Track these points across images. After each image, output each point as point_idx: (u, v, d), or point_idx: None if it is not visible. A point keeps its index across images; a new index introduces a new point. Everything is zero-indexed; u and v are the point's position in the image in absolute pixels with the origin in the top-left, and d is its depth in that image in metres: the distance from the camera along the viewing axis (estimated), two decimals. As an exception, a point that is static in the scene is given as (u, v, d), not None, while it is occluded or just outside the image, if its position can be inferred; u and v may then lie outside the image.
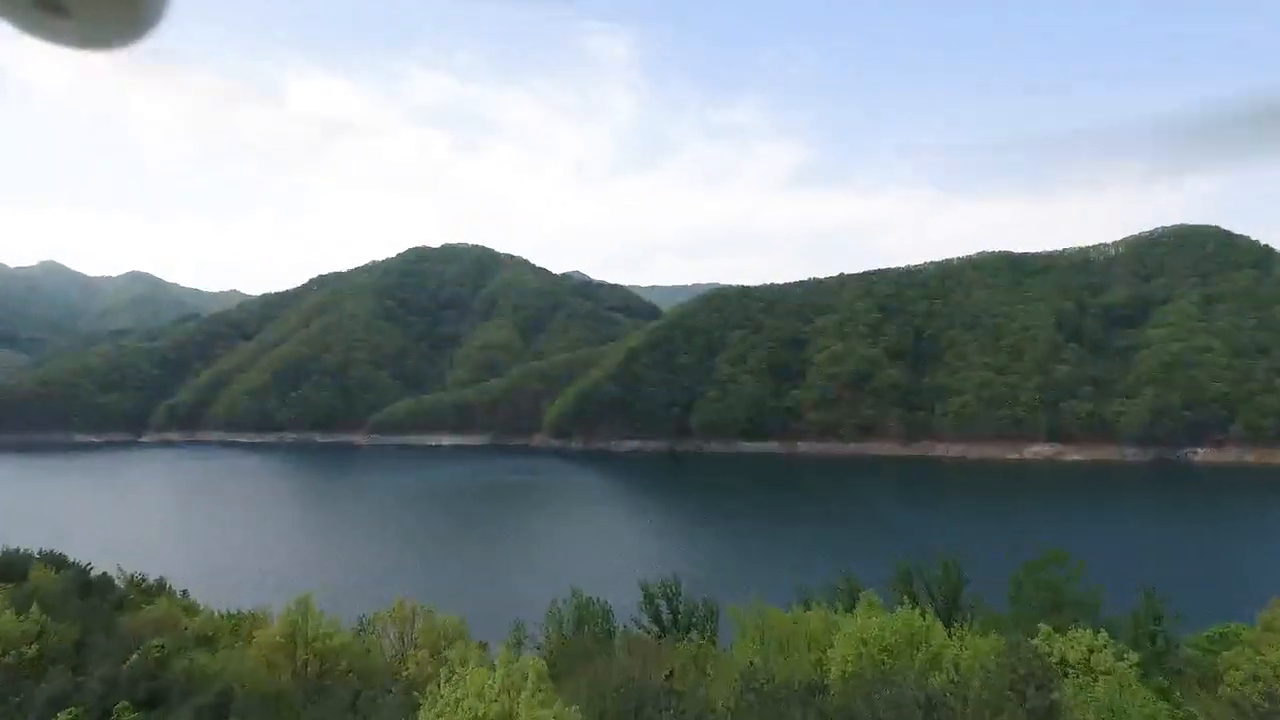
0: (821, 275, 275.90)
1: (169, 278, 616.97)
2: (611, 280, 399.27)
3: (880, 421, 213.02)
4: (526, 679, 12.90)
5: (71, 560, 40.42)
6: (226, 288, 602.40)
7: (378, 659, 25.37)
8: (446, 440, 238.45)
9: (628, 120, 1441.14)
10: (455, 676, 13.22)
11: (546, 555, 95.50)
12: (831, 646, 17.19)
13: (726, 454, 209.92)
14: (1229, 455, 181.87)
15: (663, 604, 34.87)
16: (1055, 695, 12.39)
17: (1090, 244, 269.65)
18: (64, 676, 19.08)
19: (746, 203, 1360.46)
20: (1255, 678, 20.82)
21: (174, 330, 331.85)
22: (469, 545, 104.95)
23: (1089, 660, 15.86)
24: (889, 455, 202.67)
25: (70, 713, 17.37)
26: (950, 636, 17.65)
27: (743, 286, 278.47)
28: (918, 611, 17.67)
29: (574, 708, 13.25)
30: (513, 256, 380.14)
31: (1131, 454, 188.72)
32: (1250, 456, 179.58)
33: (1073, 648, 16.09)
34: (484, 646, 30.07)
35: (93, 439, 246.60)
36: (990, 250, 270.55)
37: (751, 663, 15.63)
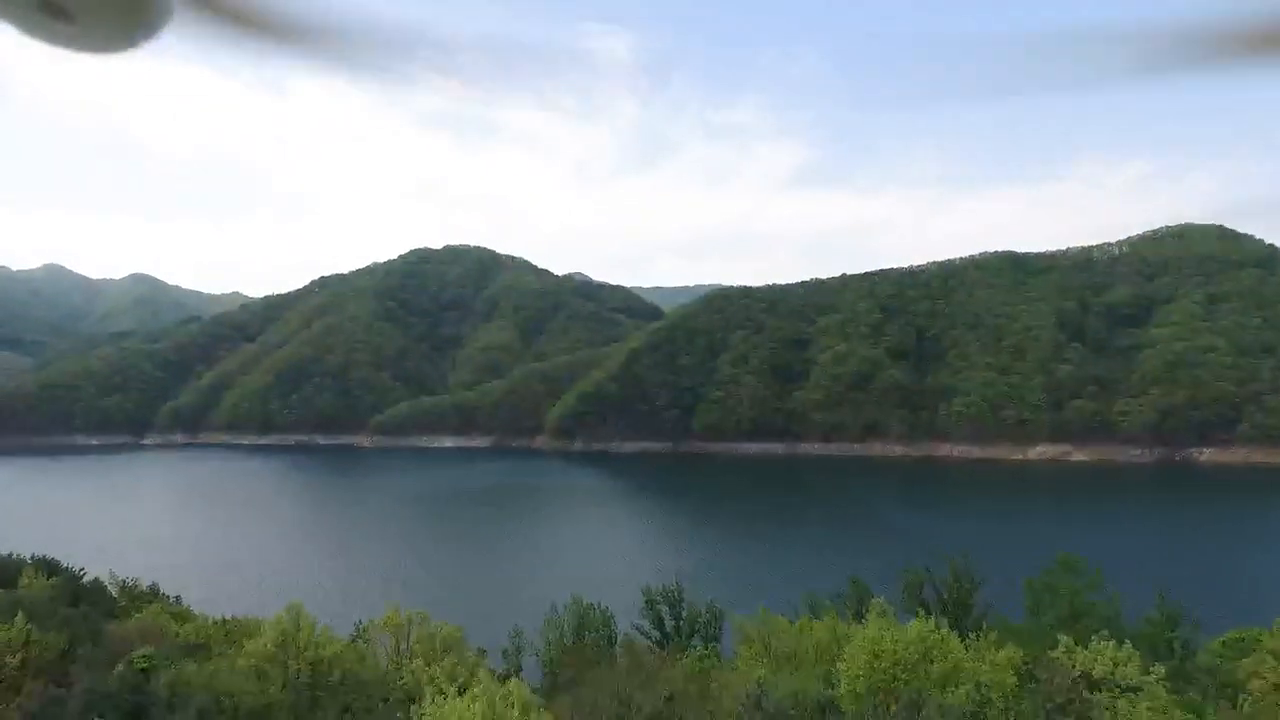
0: (823, 275, 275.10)
1: (171, 280, 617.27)
2: (613, 281, 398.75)
3: (883, 422, 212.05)
4: (512, 707, 11.89)
5: (65, 566, 39.87)
6: (228, 289, 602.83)
7: (372, 668, 24.70)
8: (448, 442, 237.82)
9: (628, 121, 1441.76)
10: (432, 708, 12.13)
11: (548, 559, 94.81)
12: (840, 658, 16.52)
13: (729, 455, 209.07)
14: (1235, 455, 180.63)
15: (665, 610, 34.09)
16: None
17: (1093, 243, 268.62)
18: (44, 690, 18.45)
19: (747, 203, 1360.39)
20: (1278, 687, 20.06)
21: (176, 332, 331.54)
22: (470, 549, 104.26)
23: (1114, 674, 15.14)
24: (892, 456, 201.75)
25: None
26: (965, 648, 16.91)
27: (744, 287, 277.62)
28: (931, 623, 16.91)
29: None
30: (514, 258, 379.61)
31: (1136, 454, 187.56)
32: (1257, 456, 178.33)
33: (1097, 661, 15.34)
34: (482, 654, 29.41)
35: (94, 441, 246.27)
36: (992, 250, 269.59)
37: (759, 682, 14.91)
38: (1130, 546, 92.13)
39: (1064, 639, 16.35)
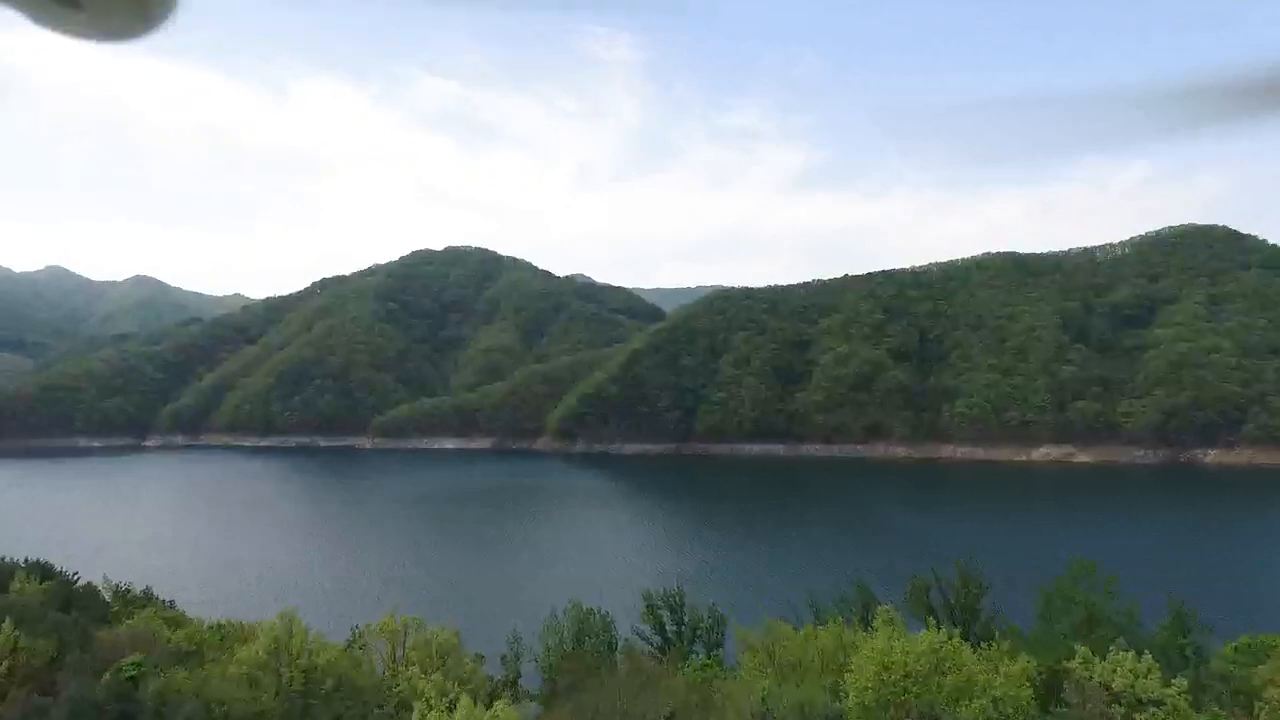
0: (825, 277, 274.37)
1: (173, 282, 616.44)
2: (615, 283, 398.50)
3: (885, 424, 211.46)
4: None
5: (58, 570, 39.43)
6: (230, 291, 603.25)
7: (366, 676, 24.20)
8: (449, 443, 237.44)
9: (631, 123, 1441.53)
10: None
11: (548, 561, 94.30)
12: (848, 668, 15.98)
13: (731, 456, 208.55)
14: (1241, 456, 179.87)
15: (666, 614, 33.53)
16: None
17: (1096, 244, 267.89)
18: (28, 698, 17.99)
19: (750, 205, 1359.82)
20: (1297, 696, 19.49)
21: (176, 334, 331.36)
22: (470, 551, 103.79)
23: (1134, 687, 14.57)
24: (895, 458, 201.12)
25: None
26: (978, 658, 16.31)
27: (746, 288, 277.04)
28: (942, 633, 16.33)
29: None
30: (516, 259, 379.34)
31: (1141, 455, 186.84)
32: (1262, 457, 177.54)
33: (1116, 673, 14.76)
34: (480, 659, 28.90)
35: (96, 443, 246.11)
36: (995, 250, 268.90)
37: (763, 694, 14.40)
38: (1135, 548, 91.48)
39: (1081, 649, 15.79)
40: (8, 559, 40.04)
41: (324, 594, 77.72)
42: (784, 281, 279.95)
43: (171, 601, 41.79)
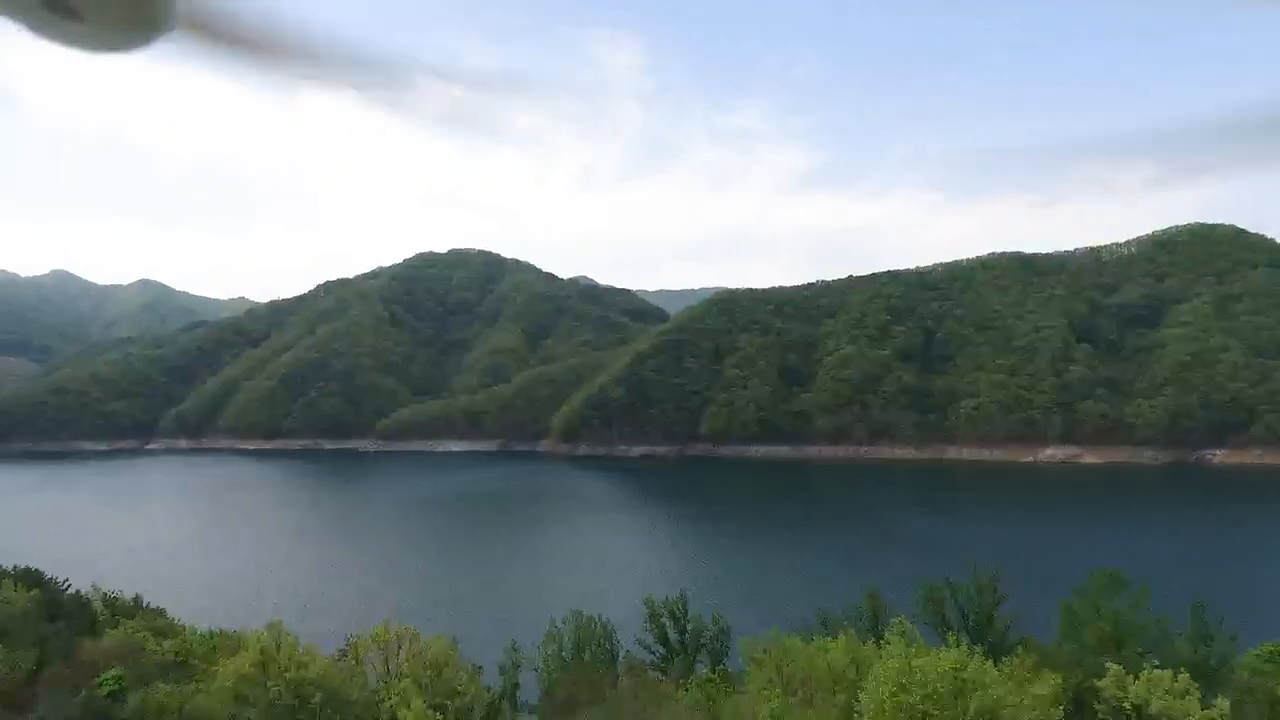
0: (829, 278, 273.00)
1: (178, 285, 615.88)
2: (619, 284, 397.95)
3: (891, 425, 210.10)
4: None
5: (48, 577, 38.71)
6: (234, 294, 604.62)
7: (358, 688, 23.37)
8: (454, 446, 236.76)
9: (633, 125, 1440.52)
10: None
11: (551, 566, 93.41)
12: (861, 686, 15.03)
13: (736, 458, 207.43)
14: (1249, 457, 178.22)
15: (669, 623, 32.59)
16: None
17: (1102, 243, 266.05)
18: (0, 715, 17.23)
19: (752, 206, 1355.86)
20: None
21: (181, 338, 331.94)
22: (472, 556, 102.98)
23: (1170, 709, 13.59)
24: (902, 459, 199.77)
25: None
26: (1000, 675, 15.28)
27: (750, 289, 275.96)
28: (963, 647, 15.35)
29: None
30: (519, 261, 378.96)
31: (1149, 456, 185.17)
32: (1271, 457, 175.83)
33: (1152, 694, 13.79)
34: (477, 670, 28.04)
35: (100, 447, 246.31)
36: (1000, 250, 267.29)
37: (771, 714, 13.57)
38: (1146, 551, 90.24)
39: (1113, 667, 14.85)
40: (-1, 566, 39.39)
41: (322, 600, 77.02)
42: (786, 282, 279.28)
43: (162, 609, 41.02)
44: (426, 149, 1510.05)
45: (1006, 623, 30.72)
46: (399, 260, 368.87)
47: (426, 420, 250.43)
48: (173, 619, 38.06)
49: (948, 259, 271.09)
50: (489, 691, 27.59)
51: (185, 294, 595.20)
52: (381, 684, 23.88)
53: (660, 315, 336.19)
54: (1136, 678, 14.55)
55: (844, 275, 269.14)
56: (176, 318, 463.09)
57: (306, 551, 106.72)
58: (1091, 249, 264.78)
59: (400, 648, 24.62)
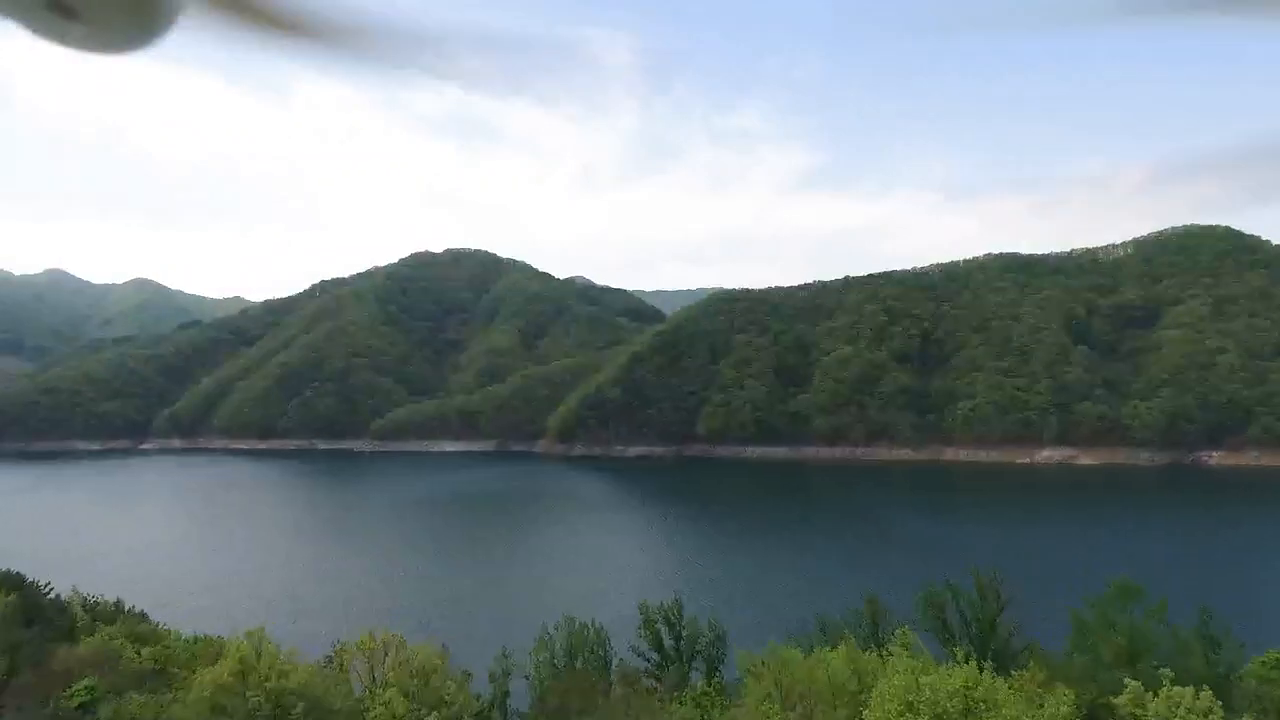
0: (827, 278, 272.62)
1: (173, 284, 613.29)
2: (616, 285, 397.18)
3: (888, 426, 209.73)
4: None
5: (29, 580, 37.89)
6: (231, 294, 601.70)
7: (342, 697, 22.66)
8: (449, 446, 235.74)
9: (631, 125, 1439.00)
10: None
11: (547, 567, 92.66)
12: (863, 701, 14.38)
13: (732, 459, 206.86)
14: (1245, 458, 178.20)
15: (664, 629, 31.91)
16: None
17: (1099, 244, 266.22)
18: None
19: (751, 207, 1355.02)
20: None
21: (175, 337, 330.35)
22: (468, 557, 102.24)
23: (1190, 728, 12.99)
24: (898, 460, 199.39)
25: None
26: (1011, 690, 14.59)
27: (747, 289, 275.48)
28: (972, 664, 14.66)
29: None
30: (516, 261, 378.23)
31: (1145, 457, 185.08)
32: (1267, 459, 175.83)
33: (1176, 713, 13.13)
34: (466, 677, 27.34)
35: (93, 447, 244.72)
36: (997, 252, 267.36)
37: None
38: (1143, 551, 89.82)
39: (1131, 683, 14.17)
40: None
41: (316, 601, 76.22)
42: (785, 283, 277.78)
43: (144, 614, 40.22)
44: (425, 149, 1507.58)
45: (1010, 629, 30.08)
46: (395, 260, 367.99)
47: (422, 420, 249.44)
48: (156, 624, 37.30)
49: (947, 259, 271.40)
50: (478, 700, 26.94)
51: (181, 293, 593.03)
52: (366, 693, 23.20)
53: (658, 316, 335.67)
54: (1156, 694, 13.88)
55: (842, 276, 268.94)
56: (172, 317, 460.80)
57: (301, 552, 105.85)
58: (1088, 250, 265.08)
59: (386, 655, 23.94)
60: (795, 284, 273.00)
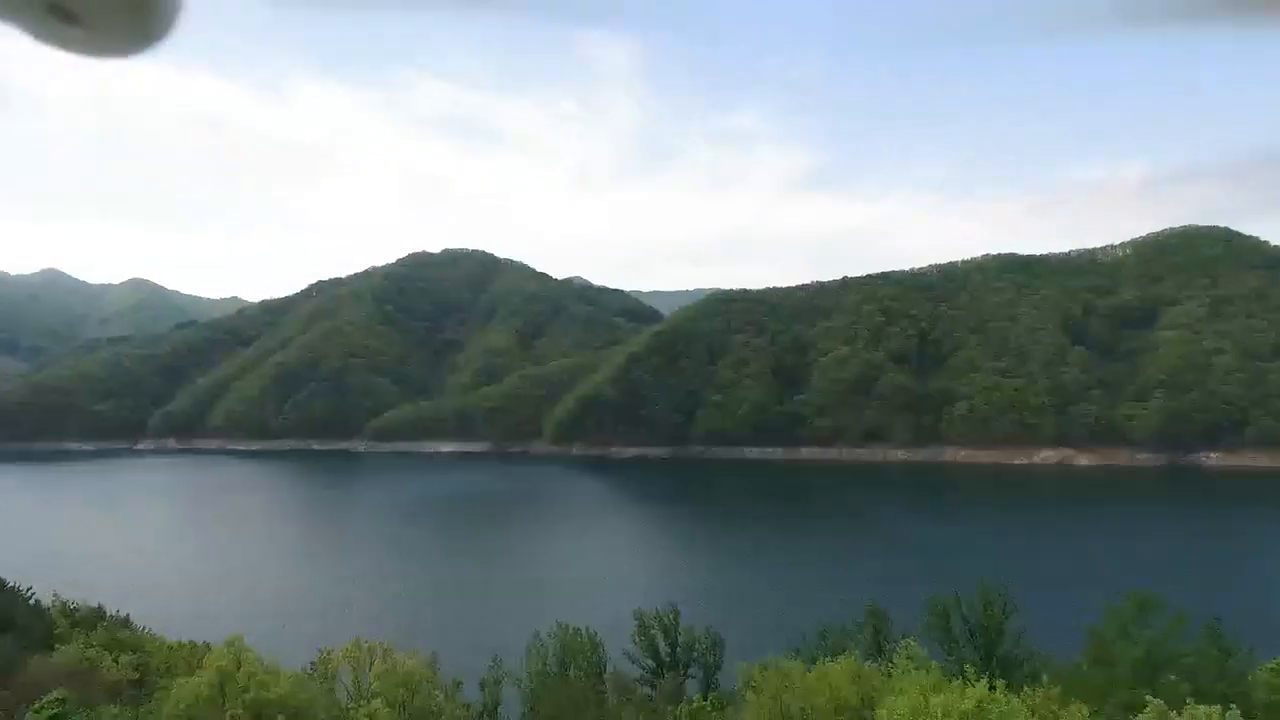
0: (825, 279, 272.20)
1: (169, 284, 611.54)
2: (613, 285, 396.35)
3: (885, 426, 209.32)
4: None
5: (9, 584, 37.07)
6: (227, 294, 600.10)
7: (326, 708, 21.93)
8: (446, 447, 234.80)
9: (630, 126, 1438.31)
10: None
11: (543, 568, 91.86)
12: (866, 719, 13.70)
13: (729, 460, 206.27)
14: (1243, 460, 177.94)
15: (659, 635, 31.20)
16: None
17: (1096, 245, 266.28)
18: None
19: (749, 207, 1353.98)
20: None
21: (171, 337, 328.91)
22: (464, 557, 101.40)
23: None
24: (896, 461, 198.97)
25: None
26: (1025, 708, 13.88)
27: (744, 290, 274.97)
28: (983, 683, 13.95)
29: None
30: (513, 261, 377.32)
31: (1143, 458, 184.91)
32: (1264, 460, 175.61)
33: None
34: (456, 686, 26.64)
35: (88, 447, 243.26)
36: (995, 252, 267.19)
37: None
38: (1141, 552, 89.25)
39: (1153, 701, 13.45)
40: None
41: (309, 604, 75.36)
42: (783, 284, 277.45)
43: (127, 619, 39.37)
44: (422, 149, 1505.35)
45: (1017, 638, 29.36)
46: (393, 260, 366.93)
47: (419, 421, 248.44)
48: (139, 629, 36.51)
49: (945, 260, 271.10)
50: (468, 709, 26.23)
51: (177, 293, 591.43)
52: (351, 704, 22.48)
53: (655, 316, 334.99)
54: (1179, 713, 13.19)
55: (840, 277, 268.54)
56: (168, 317, 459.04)
57: (295, 553, 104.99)
58: (1086, 250, 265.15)
59: (372, 664, 23.23)
60: (793, 284, 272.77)
